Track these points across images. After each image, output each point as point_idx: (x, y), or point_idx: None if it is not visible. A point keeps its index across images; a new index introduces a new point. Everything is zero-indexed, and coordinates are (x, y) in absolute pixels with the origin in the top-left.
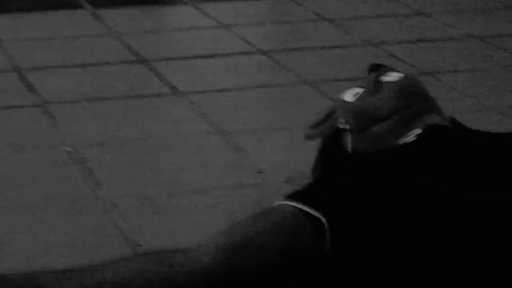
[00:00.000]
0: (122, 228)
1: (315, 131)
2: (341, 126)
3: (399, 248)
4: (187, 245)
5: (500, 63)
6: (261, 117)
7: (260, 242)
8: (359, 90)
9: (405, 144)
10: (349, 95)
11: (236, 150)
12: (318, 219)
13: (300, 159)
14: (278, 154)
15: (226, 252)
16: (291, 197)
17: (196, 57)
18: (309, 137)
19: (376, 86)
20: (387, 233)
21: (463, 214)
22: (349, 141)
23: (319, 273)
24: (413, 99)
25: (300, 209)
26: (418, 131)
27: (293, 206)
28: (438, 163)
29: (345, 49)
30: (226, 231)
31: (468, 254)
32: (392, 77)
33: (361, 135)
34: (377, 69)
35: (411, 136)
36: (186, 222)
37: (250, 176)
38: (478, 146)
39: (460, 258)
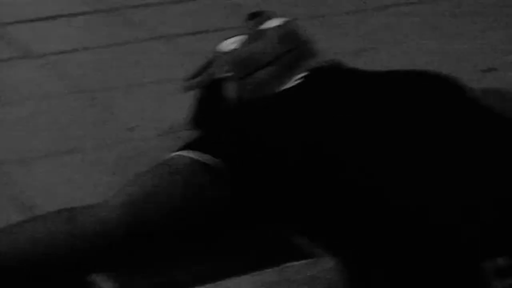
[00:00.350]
0: (12, 191)
1: (193, 82)
2: (222, 75)
3: (297, 193)
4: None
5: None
6: (121, 75)
7: (161, 195)
8: (237, 40)
9: (292, 87)
10: (228, 45)
11: (103, 108)
12: (217, 168)
13: (170, 112)
14: (146, 110)
15: (129, 208)
16: (187, 147)
17: (41, 19)
18: (187, 89)
19: (257, 34)
20: (284, 178)
21: (355, 150)
22: (231, 89)
23: (220, 222)
24: (295, 44)
25: (198, 159)
26: (302, 73)
27: (190, 156)
28: (326, 102)
29: (195, 2)
30: (127, 185)
31: (369, 188)
32: (272, 23)
33: (244, 82)
34: (256, 16)
35: (296, 80)
36: (67, 181)
37: (121, 133)
38: (365, 84)
39: (362, 194)
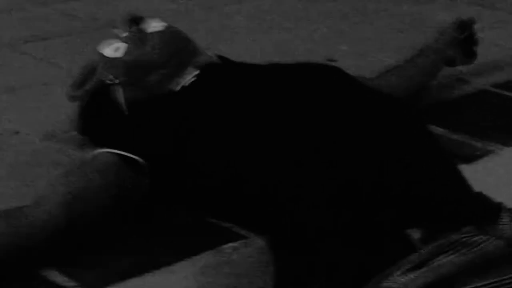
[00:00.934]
0: None
1: (79, 91)
2: (109, 82)
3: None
4: None
5: None
6: None
7: (91, 191)
8: (119, 44)
9: (187, 86)
10: (109, 50)
11: None
12: (136, 163)
13: (51, 115)
14: (26, 114)
15: (67, 206)
16: (106, 146)
17: None
18: (73, 98)
19: (141, 38)
20: (186, 171)
21: (258, 136)
22: (121, 95)
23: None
24: (181, 44)
25: (120, 156)
26: (193, 71)
27: (112, 153)
28: (222, 94)
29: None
30: (59, 182)
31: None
32: (155, 27)
33: (135, 87)
34: (137, 21)
35: (188, 77)
36: None
37: (7, 138)
38: (250, 78)
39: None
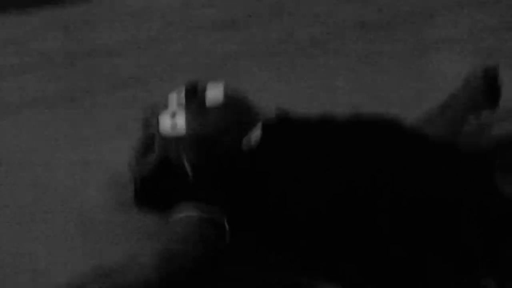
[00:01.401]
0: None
1: (141, 165)
2: (175, 156)
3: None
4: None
5: None
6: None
7: (181, 251)
8: (178, 118)
9: (254, 147)
10: (168, 123)
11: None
12: (218, 220)
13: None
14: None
15: (159, 264)
16: (190, 201)
17: None
18: (136, 173)
19: (202, 111)
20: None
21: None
22: (186, 165)
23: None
24: (242, 111)
25: (202, 216)
26: (258, 131)
27: (195, 215)
28: (286, 147)
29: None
30: (146, 248)
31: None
32: (212, 95)
33: (201, 158)
34: (193, 89)
35: (254, 138)
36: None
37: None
38: (311, 129)
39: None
